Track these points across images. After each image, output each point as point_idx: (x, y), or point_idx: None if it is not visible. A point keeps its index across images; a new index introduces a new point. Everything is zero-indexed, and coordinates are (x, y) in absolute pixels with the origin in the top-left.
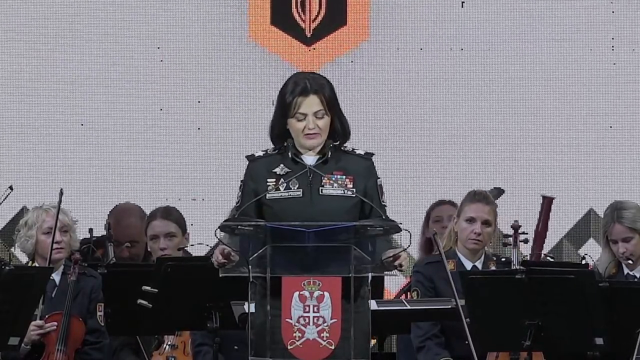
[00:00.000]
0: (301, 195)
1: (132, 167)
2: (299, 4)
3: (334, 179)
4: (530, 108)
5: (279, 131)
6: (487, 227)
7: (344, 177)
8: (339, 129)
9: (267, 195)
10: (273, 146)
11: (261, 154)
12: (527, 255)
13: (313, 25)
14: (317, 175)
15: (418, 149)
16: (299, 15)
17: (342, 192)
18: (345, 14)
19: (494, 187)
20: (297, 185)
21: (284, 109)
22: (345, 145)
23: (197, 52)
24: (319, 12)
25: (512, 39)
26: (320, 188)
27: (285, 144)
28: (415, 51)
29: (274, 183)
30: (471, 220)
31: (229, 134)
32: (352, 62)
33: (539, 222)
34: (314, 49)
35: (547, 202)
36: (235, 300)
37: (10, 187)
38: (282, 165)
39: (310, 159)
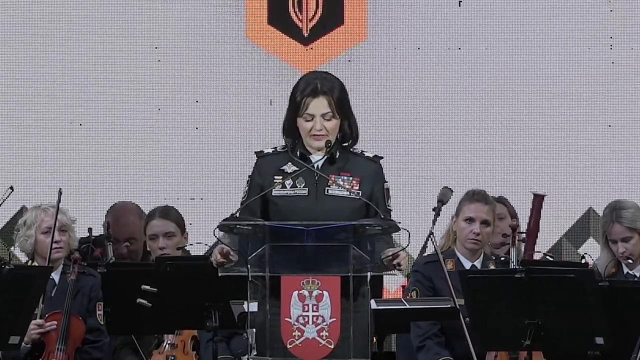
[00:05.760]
0: (307, 194)
1: (130, 167)
2: (296, 4)
3: (340, 180)
4: (528, 107)
5: (290, 127)
6: (486, 227)
7: (350, 178)
8: (347, 132)
9: (273, 192)
10: (282, 143)
11: (270, 151)
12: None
13: (310, 25)
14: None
15: (416, 148)
16: (296, 15)
17: (348, 193)
18: (342, 13)
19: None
20: (303, 184)
21: (294, 108)
22: (354, 146)
23: (194, 52)
24: (316, 12)
25: (510, 38)
26: (327, 188)
27: (293, 143)
28: (413, 50)
29: (281, 180)
30: (470, 220)
31: (227, 134)
32: (349, 61)
33: (530, 220)
34: (312, 48)
35: (538, 200)
36: (235, 300)
37: (11, 188)
38: (290, 163)
39: (317, 158)
